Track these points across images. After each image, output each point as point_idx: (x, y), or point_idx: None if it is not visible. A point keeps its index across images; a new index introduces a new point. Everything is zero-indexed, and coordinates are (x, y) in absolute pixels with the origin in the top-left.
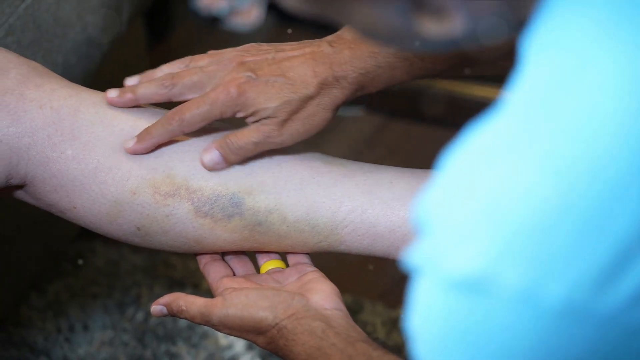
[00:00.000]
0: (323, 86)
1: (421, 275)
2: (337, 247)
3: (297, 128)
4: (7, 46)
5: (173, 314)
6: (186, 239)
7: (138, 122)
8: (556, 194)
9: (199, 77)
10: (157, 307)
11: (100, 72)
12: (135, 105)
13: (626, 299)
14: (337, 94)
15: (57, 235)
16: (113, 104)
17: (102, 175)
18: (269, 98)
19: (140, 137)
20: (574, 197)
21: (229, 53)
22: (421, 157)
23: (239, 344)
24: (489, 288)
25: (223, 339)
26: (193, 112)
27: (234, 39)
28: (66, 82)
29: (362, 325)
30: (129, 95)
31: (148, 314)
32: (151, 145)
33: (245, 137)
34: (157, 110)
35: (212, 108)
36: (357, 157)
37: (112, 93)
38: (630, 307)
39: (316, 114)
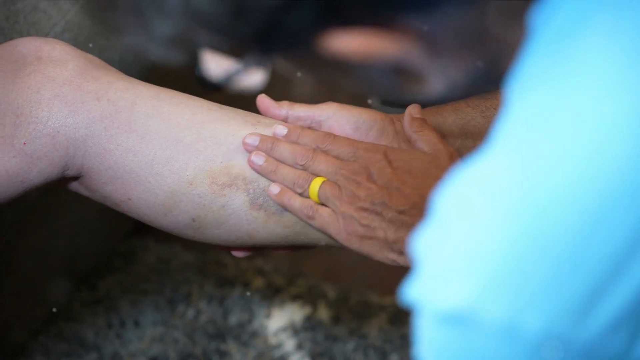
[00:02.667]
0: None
1: (417, 309)
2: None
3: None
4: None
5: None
6: (239, 232)
7: (194, 117)
8: (533, 233)
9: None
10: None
11: (154, 70)
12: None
13: (603, 329)
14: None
15: (110, 231)
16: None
17: (159, 167)
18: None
19: (249, 139)
20: (550, 235)
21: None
22: None
23: (289, 343)
24: (472, 322)
25: (273, 337)
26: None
27: None
28: (123, 76)
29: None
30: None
31: (198, 311)
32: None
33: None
34: (214, 105)
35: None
36: None
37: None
38: (607, 336)
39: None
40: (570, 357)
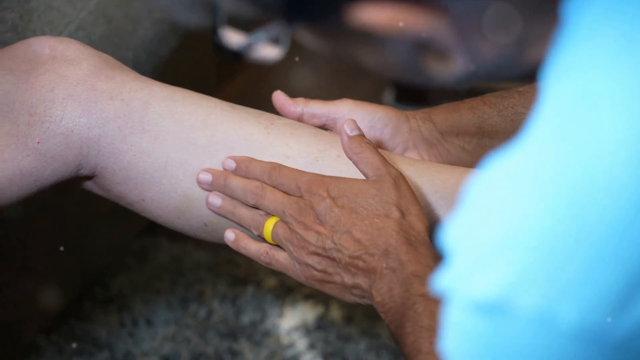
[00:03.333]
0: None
1: (448, 298)
2: None
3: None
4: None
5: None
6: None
7: (208, 118)
8: (570, 221)
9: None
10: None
11: (168, 68)
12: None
13: None
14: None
15: (122, 230)
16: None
17: (173, 170)
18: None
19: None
20: (587, 223)
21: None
22: None
23: (301, 343)
24: (506, 311)
25: (285, 337)
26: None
27: None
28: (137, 75)
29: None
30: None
31: (211, 310)
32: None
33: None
34: (227, 105)
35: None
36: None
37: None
38: None
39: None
40: (606, 349)
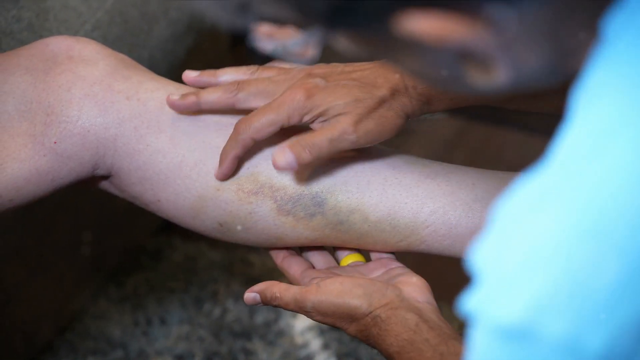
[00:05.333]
0: (394, 91)
1: (474, 321)
2: (417, 246)
3: (371, 128)
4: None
5: (266, 302)
6: (268, 236)
7: (222, 119)
8: (596, 245)
9: (266, 86)
10: (250, 295)
11: (184, 68)
12: (198, 111)
13: None
14: (406, 102)
15: (137, 229)
16: (174, 108)
17: (187, 170)
18: (338, 97)
19: (220, 160)
20: (614, 249)
21: (298, 67)
22: (502, 161)
23: (315, 343)
24: (532, 337)
25: (299, 337)
26: (260, 119)
27: None
28: (153, 75)
29: None
30: (191, 99)
31: (225, 310)
32: (231, 162)
33: (319, 134)
34: None
35: (279, 112)
36: (438, 159)
37: (174, 96)
38: None
39: (388, 117)
40: None
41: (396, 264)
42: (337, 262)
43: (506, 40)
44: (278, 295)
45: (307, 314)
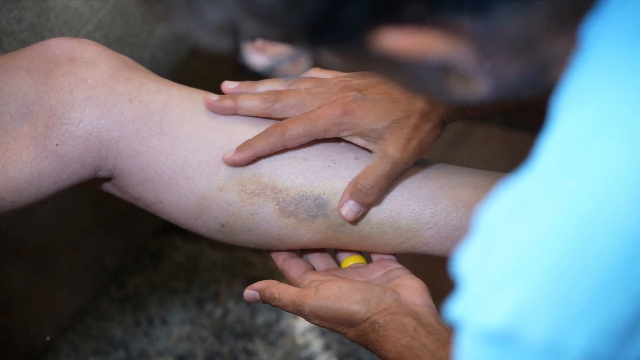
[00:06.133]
0: (429, 103)
1: (460, 327)
2: (420, 248)
3: (416, 146)
4: (95, 40)
5: (265, 301)
6: (270, 237)
7: (228, 121)
8: (577, 250)
9: (303, 98)
10: (250, 292)
11: (185, 68)
12: (232, 114)
13: None
14: (442, 110)
15: (138, 229)
16: (212, 109)
17: (190, 171)
18: (377, 117)
19: (240, 148)
20: (595, 252)
21: (334, 78)
22: (504, 161)
23: (316, 343)
24: (516, 340)
25: (300, 337)
26: (297, 127)
27: None
28: (155, 77)
29: None
30: (229, 103)
31: (226, 310)
32: (251, 156)
33: (374, 173)
34: None
35: (316, 124)
36: (440, 160)
37: (213, 97)
38: None
39: (429, 131)
40: None
41: (396, 265)
42: (338, 264)
43: (483, 52)
44: (277, 296)
45: (305, 317)
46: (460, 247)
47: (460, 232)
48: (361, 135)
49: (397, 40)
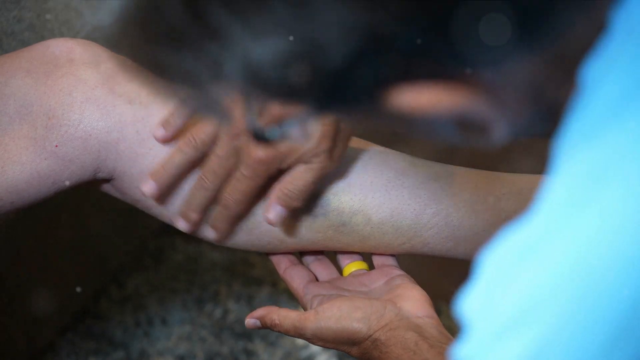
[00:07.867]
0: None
1: None
2: (420, 249)
3: (342, 149)
4: (94, 41)
5: (266, 327)
6: (270, 237)
7: None
8: (586, 297)
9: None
10: (251, 321)
11: None
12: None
13: None
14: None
15: (139, 230)
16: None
17: (190, 173)
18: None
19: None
20: (604, 298)
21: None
22: (503, 162)
23: None
24: None
25: None
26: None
27: None
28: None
29: None
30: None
31: (226, 310)
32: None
33: (302, 180)
34: None
35: (255, 177)
36: (440, 161)
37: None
38: None
39: (348, 136)
40: None
41: (397, 272)
42: (339, 268)
43: (497, 101)
44: (277, 322)
45: (308, 340)
46: (464, 289)
47: (461, 232)
48: (299, 160)
49: (411, 98)
